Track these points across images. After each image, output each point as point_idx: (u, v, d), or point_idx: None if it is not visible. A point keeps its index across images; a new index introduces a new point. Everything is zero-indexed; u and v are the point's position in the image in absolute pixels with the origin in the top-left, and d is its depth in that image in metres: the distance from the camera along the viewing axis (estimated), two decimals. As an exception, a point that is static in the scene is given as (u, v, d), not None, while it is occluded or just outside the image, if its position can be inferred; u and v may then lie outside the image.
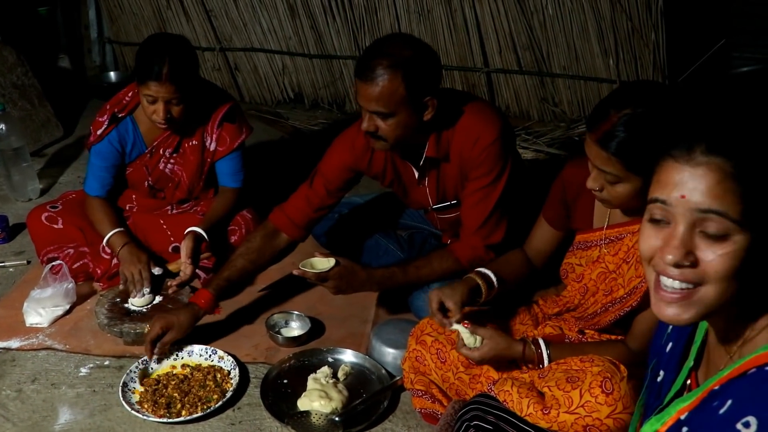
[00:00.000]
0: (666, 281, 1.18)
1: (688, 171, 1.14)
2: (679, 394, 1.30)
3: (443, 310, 2.20)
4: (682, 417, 1.21)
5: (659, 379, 1.37)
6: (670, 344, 1.37)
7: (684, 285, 1.16)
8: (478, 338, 2.10)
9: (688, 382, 1.30)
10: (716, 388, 1.17)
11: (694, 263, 1.14)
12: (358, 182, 2.74)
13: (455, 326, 2.13)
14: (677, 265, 1.15)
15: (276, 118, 4.73)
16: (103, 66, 5.37)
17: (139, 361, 2.49)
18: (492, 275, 2.27)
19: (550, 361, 2.09)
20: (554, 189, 2.27)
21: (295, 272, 2.43)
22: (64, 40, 5.19)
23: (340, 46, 4.77)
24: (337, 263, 2.40)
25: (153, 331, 2.45)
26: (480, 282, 2.24)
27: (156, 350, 2.46)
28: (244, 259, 2.62)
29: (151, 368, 2.50)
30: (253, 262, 2.63)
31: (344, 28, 4.71)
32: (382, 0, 4.53)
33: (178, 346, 2.54)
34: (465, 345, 2.10)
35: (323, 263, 2.41)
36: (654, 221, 1.20)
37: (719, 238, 1.13)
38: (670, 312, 1.19)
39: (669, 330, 1.39)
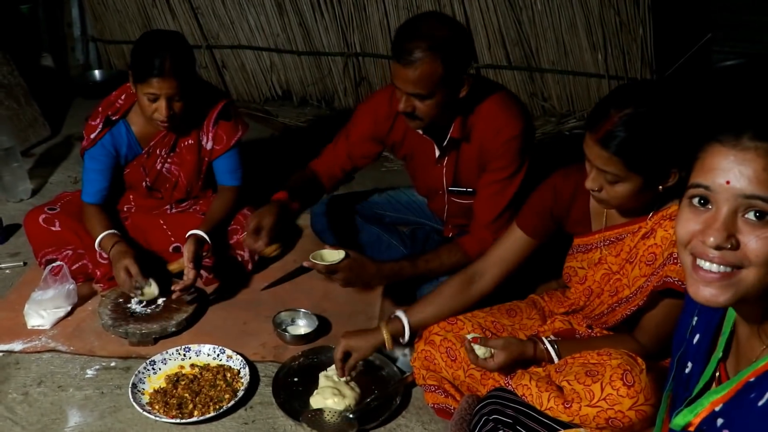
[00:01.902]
0: (704, 264, 1.18)
1: (734, 156, 1.15)
2: (708, 385, 1.30)
3: (345, 359, 2.29)
4: (717, 408, 1.22)
5: (687, 370, 1.37)
6: (697, 336, 1.37)
7: (723, 268, 1.17)
8: (489, 349, 2.10)
9: (717, 373, 1.31)
10: (752, 379, 1.19)
11: (735, 246, 1.15)
12: (381, 154, 2.84)
13: (469, 338, 2.13)
14: (718, 248, 1.15)
15: (265, 116, 4.71)
16: (87, 65, 5.30)
17: None
18: (405, 324, 2.29)
19: (559, 358, 2.09)
20: (538, 199, 2.25)
21: (305, 264, 2.43)
22: (46, 38, 5.10)
23: (328, 43, 4.75)
24: (347, 256, 2.41)
25: (251, 224, 2.50)
26: (386, 335, 2.28)
27: (261, 242, 2.50)
28: (298, 181, 2.75)
29: None
30: (308, 180, 2.77)
31: (332, 25, 4.69)
32: (371, -4, 4.53)
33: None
34: (478, 357, 2.10)
35: (333, 255, 2.41)
36: (694, 205, 1.20)
37: (763, 222, 1.14)
38: (706, 293, 1.19)
39: (694, 322, 1.39)
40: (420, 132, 2.56)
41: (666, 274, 1.91)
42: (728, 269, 1.17)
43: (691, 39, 4.41)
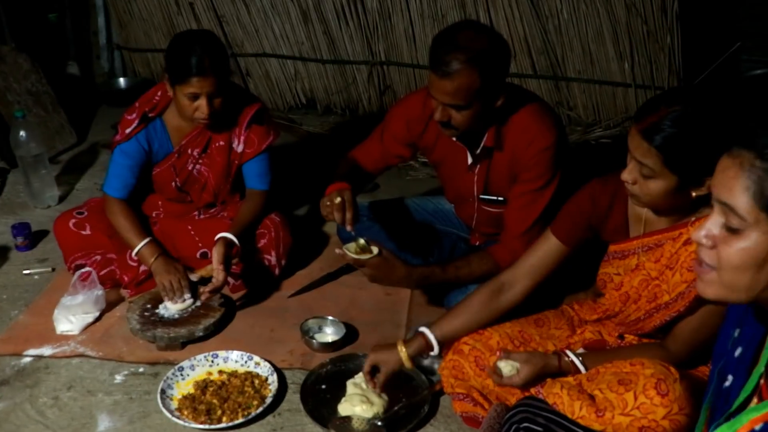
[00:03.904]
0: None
1: (725, 163, 1.24)
2: (748, 399, 1.29)
3: (373, 372, 2.28)
4: (757, 427, 1.20)
5: (727, 383, 1.36)
6: (740, 349, 1.36)
7: (705, 265, 1.26)
8: (515, 365, 2.10)
9: (759, 388, 1.29)
10: None
11: (712, 246, 1.24)
12: (412, 157, 2.92)
13: (500, 363, 2.13)
14: (699, 243, 1.26)
15: (289, 124, 4.72)
16: (112, 72, 5.35)
17: None
18: (432, 338, 2.27)
19: (586, 369, 2.08)
20: (575, 206, 2.24)
21: (337, 251, 2.43)
22: (72, 46, 5.17)
23: (353, 51, 4.77)
24: (379, 253, 2.40)
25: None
26: (403, 354, 2.26)
27: (348, 214, 2.47)
28: (345, 169, 2.77)
29: None
30: (354, 167, 2.80)
31: (357, 33, 4.71)
32: (396, 5, 4.53)
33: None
34: (504, 376, 2.10)
35: (366, 250, 2.42)
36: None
37: (733, 231, 1.21)
38: (698, 286, 1.30)
39: (736, 334, 1.38)
40: (453, 138, 2.56)
41: None
42: (708, 267, 1.26)
43: (719, 48, 4.39)
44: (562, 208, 2.27)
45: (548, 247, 2.25)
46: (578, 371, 2.08)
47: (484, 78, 2.26)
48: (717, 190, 1.23)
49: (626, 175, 1.94)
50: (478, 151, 2.55)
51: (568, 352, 2.12)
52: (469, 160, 2.61)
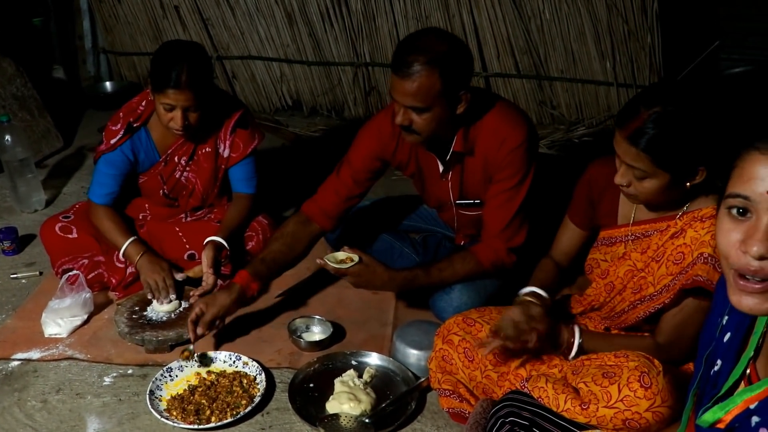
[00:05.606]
0: (747, 274, 1.16)
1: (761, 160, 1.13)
2: (737, 383, 1.29)
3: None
4: (752, 406, 1.21)
5: (716, 368, 1.36)
6: (728, 334, 1.36)
7: (766, 277, 1.14)
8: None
9: (747, 372, 1.29)
10: None
11: None
12: (384, 172, 2.77)
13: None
14: (762, 258, 1.13)
15: (275, 126, 4.74)
16: (98, 76, 5.36)
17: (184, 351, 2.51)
18: (541, 291, 2.27)
19: (579, 349, 2.12)
20: (579, 190, 2.30)
21: (318, 261, 2.47)
22: (58, 50, 5.17)
23: (338, 53, 4.79)
24: (359, 261, 2.43)
25: (193, 311, 2.49)
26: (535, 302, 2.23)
27: (198, 330, 2.48)
28: (279, 242, 2.66)
29: (195, 360, 2.52)
30: (288, 245, 2.67)
31: (342, 35, 4.73)
32: (380, 6, 4.56)
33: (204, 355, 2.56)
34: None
35: (346, 258, 2.46)
36: (732, 215, 1.18)
37: None
38: (749, 302, 1.17)
39: (724, 321, 1.38)
40: (424, 148, 2.57)
41: (696, 273, 1.94)
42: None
43: (699, 46, 4.44)
44: (573, 194, 2.33)
45: (570, 232, 2.37)
46: (571, 347, 2.12)
47: (445, 80, 2.28)
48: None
49: (619, 179, 1.99)
50: (448, 157, 2.56)
51: (575, 328, 2.14)
52: (441, 168, 2.63)
